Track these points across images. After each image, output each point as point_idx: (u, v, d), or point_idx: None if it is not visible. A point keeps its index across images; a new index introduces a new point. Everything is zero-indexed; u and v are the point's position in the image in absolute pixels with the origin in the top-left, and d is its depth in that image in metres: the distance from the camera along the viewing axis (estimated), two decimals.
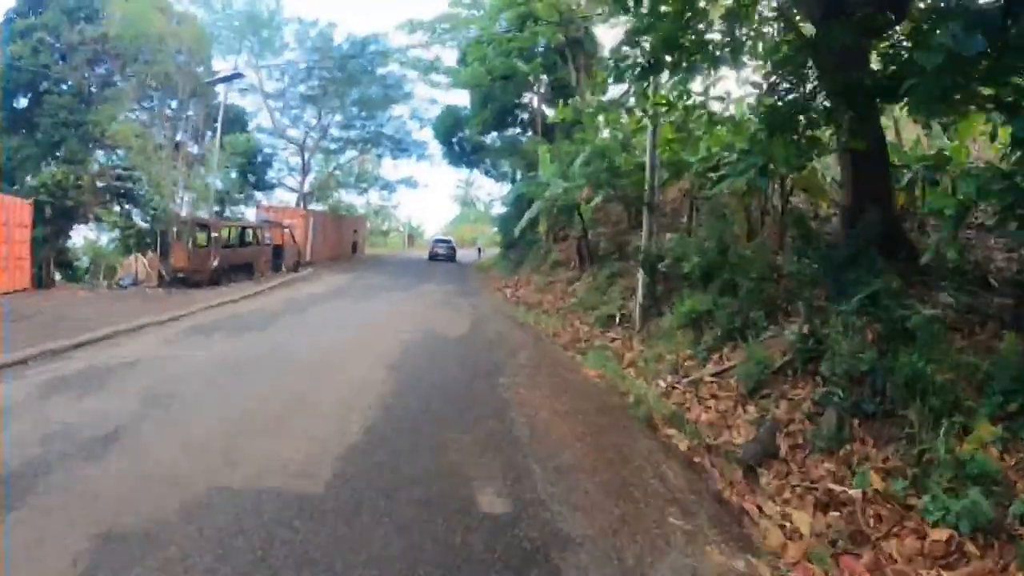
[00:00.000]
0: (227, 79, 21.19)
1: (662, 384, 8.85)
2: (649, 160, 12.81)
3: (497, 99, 32.23)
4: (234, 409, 5.62)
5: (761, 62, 9.21)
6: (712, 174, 13.96)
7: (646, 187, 12.78)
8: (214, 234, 16.69)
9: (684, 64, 8.86)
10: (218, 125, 21.05)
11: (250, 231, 19.40)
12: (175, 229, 17.17)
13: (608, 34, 36.12)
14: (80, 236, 25.87)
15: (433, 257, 32.89)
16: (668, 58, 8.23)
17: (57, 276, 21.92)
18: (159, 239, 17.91)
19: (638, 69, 8.25)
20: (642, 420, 6.52)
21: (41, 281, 20.40)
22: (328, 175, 36.00)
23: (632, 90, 12.61)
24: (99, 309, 12.04)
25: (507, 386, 7.21)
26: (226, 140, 21.85)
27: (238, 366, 7.25)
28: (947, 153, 10.77)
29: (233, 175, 32.72)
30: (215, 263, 16.57)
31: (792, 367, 7.91)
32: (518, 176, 30.30)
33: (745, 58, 9.44)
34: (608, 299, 14.23)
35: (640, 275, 12.58)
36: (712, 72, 10.30)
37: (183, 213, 19.56)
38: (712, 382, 8.86)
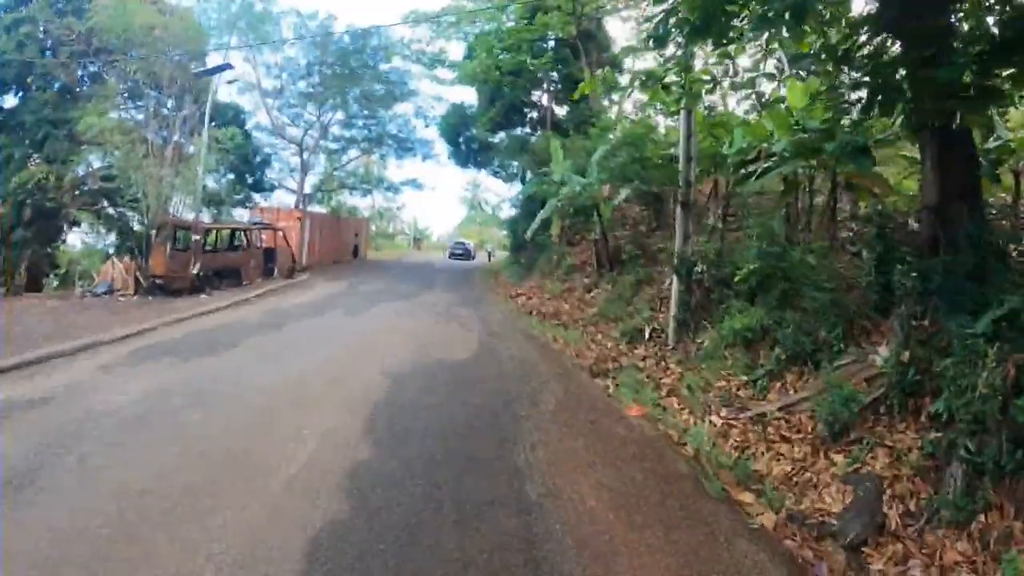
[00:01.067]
0: (215, 70, 19.69)
1: (716, 420, 7.16)
2: (684, 150, 11.12)
3: (505, 96, 30.77)
4: (106, 500, 3.87)
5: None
6: (749, 167, 12.34)
7: (680, 182, 11.08)
8: (195, 237, 15.16)
9: (738, 26, 7.17)
10: (206, 118, 19.56)
11: (239, 234, 17.85)
12: (153, 232, 15.67)
13: (621, 28, 34.43)
14: (78, 240, 24.80)
15: (452, 256, 36.16)
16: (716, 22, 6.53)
17: (55, 282, 20.65)
18: (145, 243, 16.45)
19: (686, 29, 6.56)
20: (719, 493, 4.80)
21: (18, 287, 19.12)
22: (329, 175, 34.47)
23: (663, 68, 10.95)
24: (55, 322, 10.51)
25: (526, 441, 5.47)
26: (216, 134, 20.30)
27: (160, 414, 5.56)
28: None
29: (230, 176, 31.51)
30: (196, 269, 15.03)
31: (887, 403, 6.22)
32: (528, 177, 28.69)
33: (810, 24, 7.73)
34: (634, 310, 12.55)
35: (674, 283, 10.90)
36: (768, 39, 8.66)
37: (173, 215, 18.09)
38: (779, 418, 7.17)
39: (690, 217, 11.10)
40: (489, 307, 14.38)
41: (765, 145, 12.42)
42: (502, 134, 33.47)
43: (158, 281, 15.17)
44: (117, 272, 16.18)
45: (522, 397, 6.83)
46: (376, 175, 39.36)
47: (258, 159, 31.44)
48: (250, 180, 31.65)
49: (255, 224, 18.66)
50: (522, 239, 24.20)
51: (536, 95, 33.27)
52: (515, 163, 33.90)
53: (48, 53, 25.14)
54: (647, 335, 11.25)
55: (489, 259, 37.81)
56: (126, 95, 25.26)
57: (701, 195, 23.11)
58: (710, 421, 7.14)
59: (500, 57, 28.69)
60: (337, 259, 26.52)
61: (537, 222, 15.21)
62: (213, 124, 32.37)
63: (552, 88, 32.66)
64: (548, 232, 20.13)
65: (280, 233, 19.25)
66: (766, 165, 11.22)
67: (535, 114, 33.51)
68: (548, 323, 12.84)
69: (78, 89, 24.84)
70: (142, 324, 10.17)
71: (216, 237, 16.65)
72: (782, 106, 11.43)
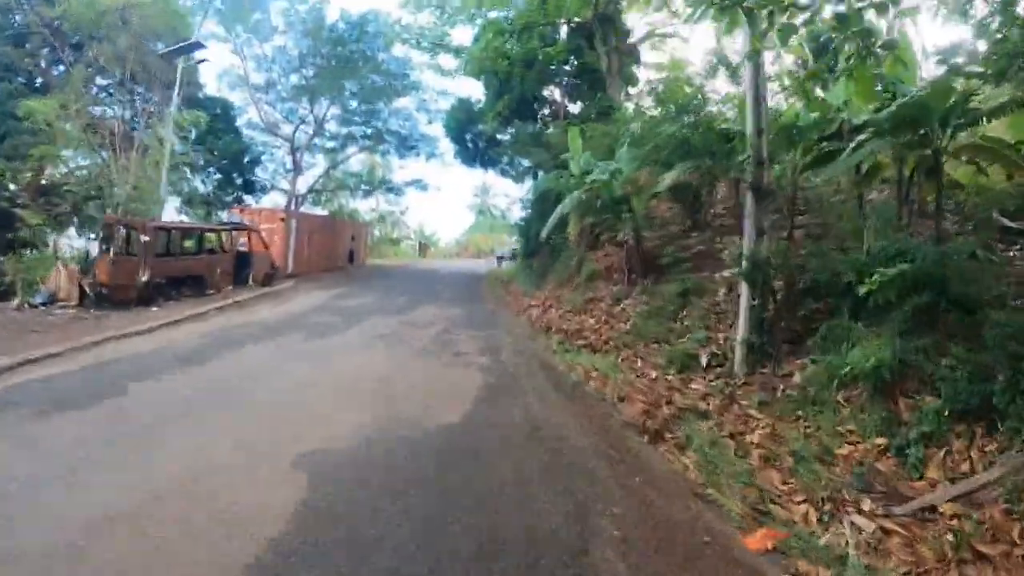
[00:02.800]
0: (184, 50, 17.29)
1: (860, 522, 4.42)
2: (752, 118, 8.40)
3: (515, 90, 28.22)
4: None
5: None
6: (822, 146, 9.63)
7: (748, 159, 8.36)
8: (144, 239, 12.64)
9: None
10: (172, 103, 17.17)
11: (205, 236, 15.30)
12: (100, 234, 13.22)
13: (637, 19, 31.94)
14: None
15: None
16: None
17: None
18: (100, 246, 14.04)
19: None
20: None
21: None
22: (324, 174, 32.01)
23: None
24: None
25: None
26: (177, 118, 17.79)
27: None
28: None
29: (217, 176, 29.19)
30: (145, 276, 12.51)
31: None
32: (540, 175, 26.07)
33: None
34: (681, 328, 9.82)
35: (742, 294, 8.17)
36: None
37: (126, 214, 15.66)
38: (959, 515, 4.50)
39: (764, 208, 8.35)
40: (497, 325, 11.59)
41: (845, 116, 9.75)
42: (512, 130, 30.99)
43: (104, 291, 12.68)
44: (62, 280, 13.71)
45: (549, 520, 3.80)
46: (378, 175, 36.94)
47: (247, 159, 29.12)
48: (240, 180, 29.35)
49: (225, 225, 16.11)
50: (534, 243, 21.52)
51: (547, 91, 30.79)
52: (526, 161, 31.43)
53: (15, 43, 22.94)
54: (704, 363, 8.53)
55: (499, 264, 35.16)
56: (94, 85, 23.06)
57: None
58: (851, 523, 4.40)
59: (509, 46, 26.31)
60: (330, 266, 23.98)
61: (554, 219, 12.53)
62: (202, 121, 30.34)
63: (565, 82, 30.17)
64: (564, 233, 17.44)
65: (259, 235, 16.72)
66: (862, 138, 8.49)
67: (547, 110, 30.99)
68: (571, 345, 10.13)
69: (44, 81, 22.68)
70: (33, 351, 7.62)
71: (174, 239, 14.14)
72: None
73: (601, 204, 12.12)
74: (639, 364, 9.37)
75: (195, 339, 8.92)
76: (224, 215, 21.21)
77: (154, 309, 12.38)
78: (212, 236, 15.36)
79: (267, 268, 16.70)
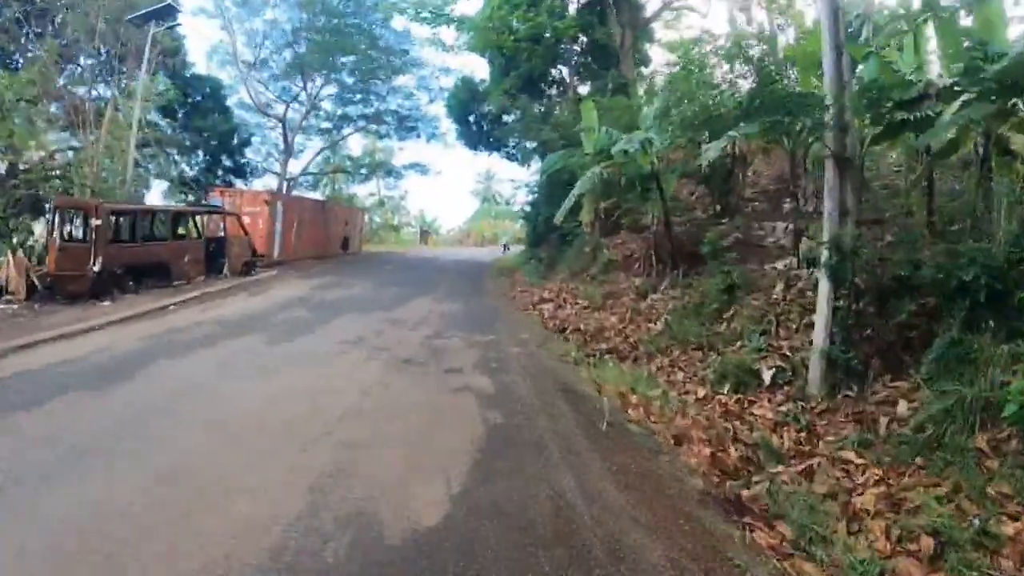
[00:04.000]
0: (156, 14, 15.49)
1: None
2: (831, 71, 6.60)
3: (522, 67, 26.33)
4: None
5: None
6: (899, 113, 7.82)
7: (828, 124, 6.56)
8: (95, 222, 10.93)
9: None
10: (142, 72, 15.42)
11: (172, 219, 13.53)
12: (50, 218, 11.57)
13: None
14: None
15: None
16: None
17: None
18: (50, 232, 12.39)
19: None
20: None
21: None
22: (318, 156, 30.21)
23: None
24: None
25: None
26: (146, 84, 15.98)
27: None
28: None
29: (205, 157, 27.44)
30: (97, 265, 10.84)
31: None
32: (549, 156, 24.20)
33: None
34: (730, 332, 8.09)
35: (822, 293, 6.43)
36: None
37: (77, 196, 14.00)
38: None
39: (848, 182, 6.55)
40: (502, 326, 9.74)
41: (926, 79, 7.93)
42: (518, 110, 29.08)
43: (52, 283, 11.08)
44: (11, 271, 12.06)
45: None
46: (376, 158, 35.04)
47: (237, 140, 27.34)
48: (229, 163, 27.63)
49: (196, 207, 14.32)
50: (542, 229, 19.78)
51: (555, 71, 28.89)
52: (531, 144, 29.59)
53: None
54: (767, 379, 6.81)
55: (504, 251, 33.44)
56: (73, 64, 21.25)
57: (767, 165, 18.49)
58: None
59: (515, 20, 24.52)
60: (322, 253, 22.23)
61: (569, 202, 10.73)
62: (189, 100, 28.57)
63: (574, 61, 28.30)
64: (577, 219, 15.67)
65: (237, 220, 14.97)
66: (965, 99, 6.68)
67: (554, 90, 29.08)
68: (593, 350, 8.41)
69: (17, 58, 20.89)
70: None
71: (135, 224, 12.42)
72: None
73: (626, 182, 10.33)
74: (679, 376, 7.67)
75: (135, 343, 7.22)
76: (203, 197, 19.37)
77: (106, 304, 10.72)
78: (181, 220, 13.59)
79: (246, 256, 14.98)
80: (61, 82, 19.72)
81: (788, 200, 16.13)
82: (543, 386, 6.38)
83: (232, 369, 6.25)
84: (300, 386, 5.72)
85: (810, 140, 8.62)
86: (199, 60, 30.41)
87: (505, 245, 35.83)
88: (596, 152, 13.90)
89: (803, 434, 5.80)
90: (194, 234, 13.87)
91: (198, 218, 14.15)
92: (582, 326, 9.66)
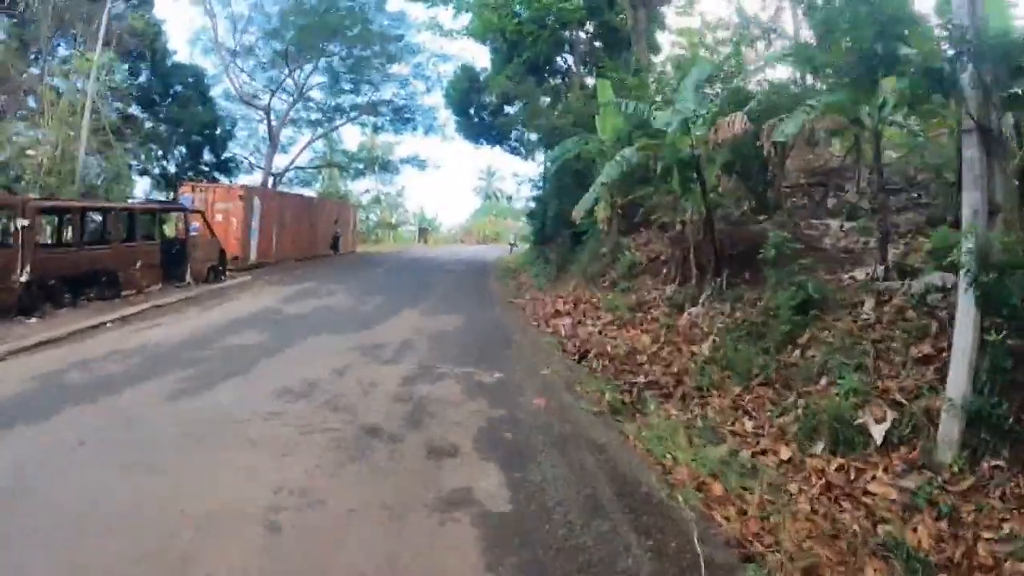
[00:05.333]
0: None
1: None
2: (968, 8, 4.64)
3: (526, 52, 24.59)
4: None
5: None
6: None
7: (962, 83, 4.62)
8: (21, 222, 9.03)
9: None
10: (97, 48, 13.50)
11: (122, 218, 11.57)
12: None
13: None
14: None
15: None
16: None
17: None
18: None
19: None
20: None
21: None
22: (307, 149, 28.24)
23: None
24: None
25: None
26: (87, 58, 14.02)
27: None
28: None
29: (182, 150, 25.51)
30: (24, 275, 8.95)
31: None
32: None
33: None
34: (807, 364, 6.18)
35: (962, 321, 4.52)
36: None
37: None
38: None
39: (997, 164, 4.62)
40: (513, 352, 7.63)
41: None
42: (521, 103, 27.21)
43: None
44: None
45: None
46: (371, 151, 33.00)
47: (218, 131, 25.39)
48: (211, 157, 25.69)
49: (147, 204, 12.32)
50: (550, 227, 17.82)
51: (561, 59, 27.13)
52: (536, 136, 27.77)
53: None
54: (877, 437, 4.92)
55: (512, 250, 31.61)
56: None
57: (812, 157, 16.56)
58: None
59: (519, 7, 22.92)
60: (308, 254, 20.28)
61: (593, 193, 8.73)
62: (170, 91, 26.66)
63: (582, 48, 26.56)
64: (592, 215, 13.75)
65: (202, 218, 13.04)
66: None
67: (558, 81, 27.25)
68: (626, 384, 6.50)
69: None
70: None
71: (75, 225, 10.52)
72: None
73: (662, 169, 8.39)
74: (748, 425, 5.76)
75: (15, 387, 5.27)
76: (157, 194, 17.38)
77: (32, 321, 8.83)
78: (133, 219, 11.56)
79: (212, 259, 13.03)
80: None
81: (832, 194, 14.26)
82: (589, 483, 4.02)
83: (82, 460, 3.97)
84: (148, 514, 3.29)
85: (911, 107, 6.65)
86: (181, 48, 28.32)
87: (512, 243, 34.03)
88: (618, 137, 11.98)
89: (944, 525, 3.94)
90: (147, 235, 11.91)
91: (149, 217, 12.16)
92: (609, 348, 7.72)
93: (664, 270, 10.73)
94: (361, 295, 11.69)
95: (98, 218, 11.32)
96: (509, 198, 57.02)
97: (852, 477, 4.83)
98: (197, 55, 27.26)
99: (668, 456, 4.57)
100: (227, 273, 13.91)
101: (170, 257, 12.11)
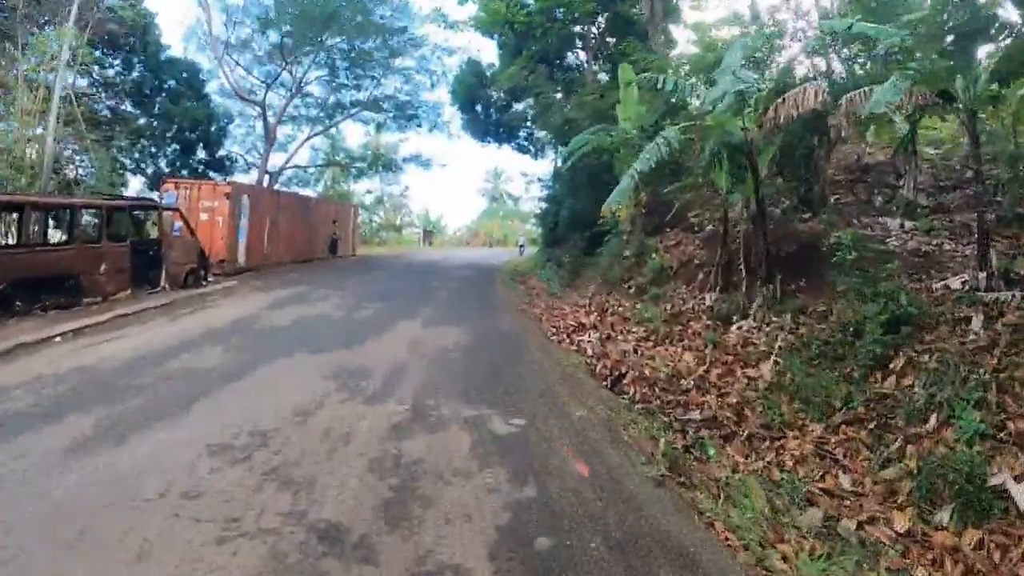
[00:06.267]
0: None
1: None
2: None
3: (535, 46, 23.49)
4: None
5: None
6: None
7: None
8: None
9: None
10: (68, 26, 12.28)
11: (93, 217, 10.32)
12: None
13: None
14: None
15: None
16: None
17: None
18: None
19: None
20: None
21: None
22: (303, 146, 26.99)
23: None
24: None
25: None
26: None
27: None
28: None
29: (176, 148, 24.35)
30: None
31: None
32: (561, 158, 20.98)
33: None
34: (909, 400, 4.85)
35: None
36: None
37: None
38: None
39: None
40: (534, 383, 5.82)
41: None
42: (530, 99, 26.02)
43: None
44: None
45: None
46: (376, 152, 31.73)
47: (214, 129, 24.22)
48: (205, 155, 24.53)
49: (112, 201, 10.94)
50: (564, 227, 16.53)
51: (571, 56, 26.00)
52: (545, 133, 26.55)
53: None
54: (1022, 501, 3.60)
55: (521, 252, 30.38)
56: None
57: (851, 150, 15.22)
58: None
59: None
60: (305, 256, 19.01)
61: (628, 183, 7.30)
62: (164, 88, 25.52)
63: (594, 42, 25.43)
64: (614, 213, 12.44)
65: (181, 216, 11.76)
66: None
67: (570, 77, 26.06)
68: (675, 422, 5.19)
69: None
70: None
71: (29, 223, 9.28)
72: None
73: (708, 156, 7.05)
74: (844, 481, 4.42)
75: None
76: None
77: None
78: (99, 218, 10.25)
79: (191, 262, 11.75)
80: None
81: (876, 191, 12.93)
82: None
83: None
84: None
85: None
86: (176, 44, 27.31)
87: (521, 245, 32.78)
88: (642, 127, 10.69)
89: None
90: (116, 234, 10.63)
91: (117, 216, 10.81)
92: (647, 371, 6.39)
93: (700, 275, 9.41)
94: (355, 303, 10.40)
95: (61, 216, 10.05)
96: (516, 199, 55.87)
97: (997, 559, 3.54)
98: (193, 51, 26.18)
99: (765, 548, 3.22)
100: (211, 277, 12.64)
101: (143, 260, 10.83)
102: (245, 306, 9.74)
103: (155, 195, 17.64)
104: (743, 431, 5.29)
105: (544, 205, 22.31)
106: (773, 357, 6.36)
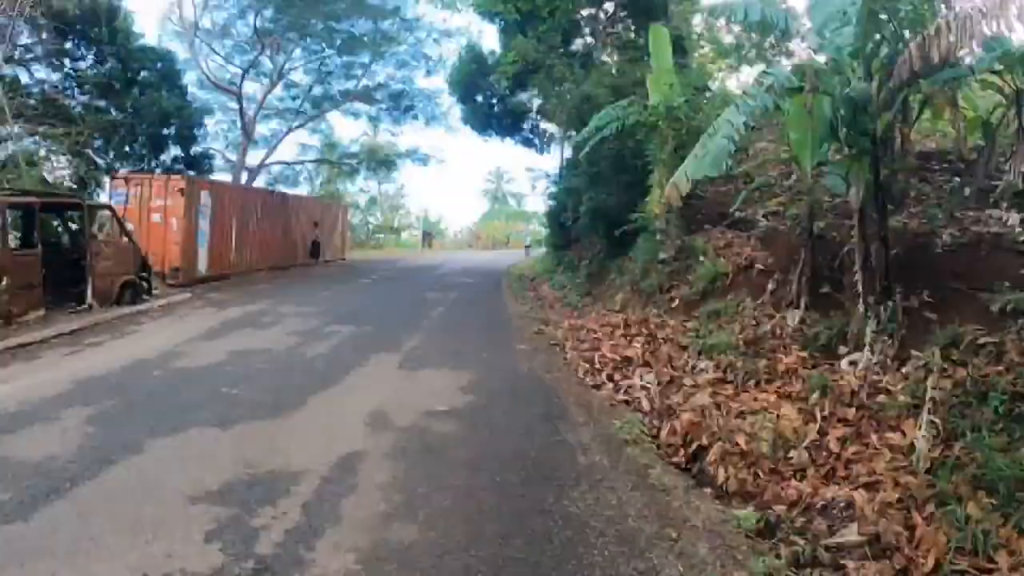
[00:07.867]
0: None
1: None
2: None
3: (540, 27, 21.58)
4: None
5: None
6: None
7: None
8: None
9: None
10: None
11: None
12: None
13: None
14: None
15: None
16: None
17: None
18: None
19: None
20: None
21: None
22: (282, 139, 24.70)
23: None
24: None
25: None
26: None
27: None
28: None
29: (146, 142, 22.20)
30: None
31: None
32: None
33: None
34: None
35: None
36: None
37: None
38: None
39: None
40: (574, 491, 3.43)
41: None
42: (533, 89, 23.97)
43: None
44: None
45: None
46: (371, 149, 29.44)
47: (188, 122, 22.02)
48: (177, 151, 22.35)
49: (23, 198, 8.52)
50: (583, 225, 14.23)
51: (578, 42, 24.23)
52: (552, 125, 24.56)
53: None
54: None
55: (527, 254, 28.51)
56: None
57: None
58: None
59: None
60: (282, 262, 16.76)
61: (724, 145, 4.73)
62: (135, 80, 23.37)
63: (603, 29, 23.77)
64: (642, 208, 10.23)
65: (114, 217, 9.53)
66: None
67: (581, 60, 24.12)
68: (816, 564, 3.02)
69: None
70: None
71: None
72: None
73: (838, 118, 4.83)
74: None
75: None
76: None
77: None
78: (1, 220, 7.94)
79: (128, 272, 9.54)
80: None
81: (957, 177, 10.77)
82: None
83: None
84: None
85: None
86: (151, 32, 25.20)
87: (527, 246, 30.82)
88: (685, 98, 8.52)
89: None
90: (29, 241, 8.46)
91: (23, 218, 8.55)
92: (741, 440, 4.19)
93: (770, 284, 7.19)
94: (318, 325, 8.14)
95: None
96: (520, 199, 54.00)
97: None
98: (169, 39, 24.06)
99: None
100: (156, 291, 10.44)
101: (67, 272, 8.66)
102: (176, 332, 7.52)
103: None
104: (926, 564, 3.09)
105: (552, 203, 20.19)
106: (926, 416, 4.16)
